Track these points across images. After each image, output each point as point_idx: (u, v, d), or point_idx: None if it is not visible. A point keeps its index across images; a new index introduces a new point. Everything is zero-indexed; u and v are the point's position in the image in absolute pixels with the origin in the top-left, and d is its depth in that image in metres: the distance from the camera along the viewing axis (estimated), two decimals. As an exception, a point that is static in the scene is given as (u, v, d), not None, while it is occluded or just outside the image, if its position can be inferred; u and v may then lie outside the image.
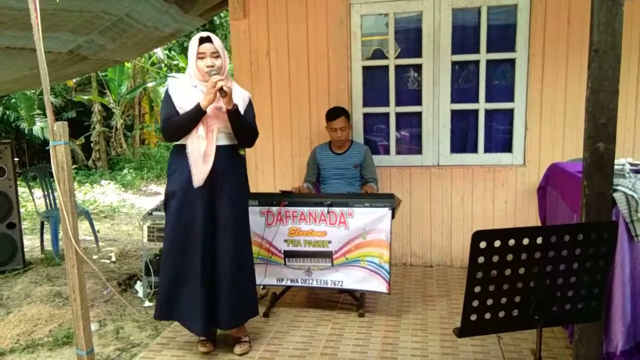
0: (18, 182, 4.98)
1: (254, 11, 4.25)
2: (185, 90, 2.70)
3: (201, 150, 2.63)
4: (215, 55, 2.64)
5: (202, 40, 2.64)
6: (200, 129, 2.64)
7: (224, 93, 2.53)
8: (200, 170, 2.65)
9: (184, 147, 2.68)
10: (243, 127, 2.71)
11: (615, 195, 2.07)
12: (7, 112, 11.24)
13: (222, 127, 2.68)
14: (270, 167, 4.40)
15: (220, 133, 2.69)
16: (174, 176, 2.76)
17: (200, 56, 2.64)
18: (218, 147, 2.68)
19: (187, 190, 2.69)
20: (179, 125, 2.66)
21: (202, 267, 2.69)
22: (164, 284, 2.81)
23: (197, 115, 2.60)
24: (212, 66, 2.61)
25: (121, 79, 11.45)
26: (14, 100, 11.17)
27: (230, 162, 2.74)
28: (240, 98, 2.76)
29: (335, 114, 3.70)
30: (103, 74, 11.38)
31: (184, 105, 2.65)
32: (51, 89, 10.84)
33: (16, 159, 5.04)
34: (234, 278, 2.75)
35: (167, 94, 2.73)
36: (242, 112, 2.70)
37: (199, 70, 2.65)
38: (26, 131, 11.10)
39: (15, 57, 3.47)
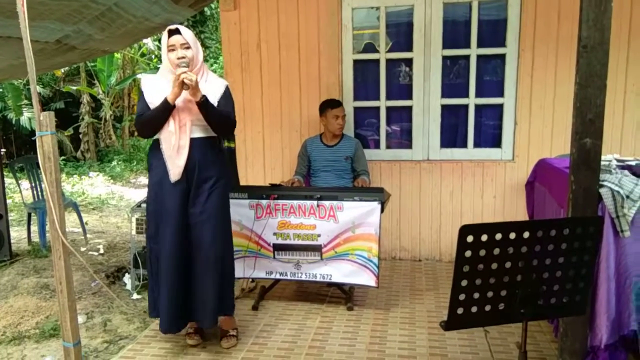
0: (5, 173, 4.93)
1: (245, 3, 4.22)
2: (157, 85, 2.68)
3: (174, 144, 2.62)
4: (185, 46, 2.61)
5: (171, 33, 2.61)
6: (171, 124, 2.62)
7: (186, 86, 2.52)
8: (175, 164, 2.63)
9: (159, 142, 2.68)
10: (214, 117, 2.63)
11: (602, 190, 2.09)
12: (-6, 102, 11.11)
13: (195, 119, 2.64)
14: (260, 160, 4.39)
15: (194, 126, 2.66)
16: (152, 172, 2.75)
17: (170, 49, 2.62)
18: (193, 140, 2.65)
19: (163, 185, 2.67)
20: (149, 120, 2.65)
21: (174, 262, 2.66)
22: (150, 281, 2.82)
23: (165, 109, 2.59)
24: (183, 58, 2.58)
25: (110, 70, 11.34)
26: (1, 90, 11.02)
27: (206, 154, 2.69)
28: (215, 88, 2.72)
29: (337, 102, 3.79)
30: (92, 64, 11.26)
31: (154, 100, 2.63)
32: (39, 79, 10.72)
33: (3, 150, 4.98)
34: (209, 273, 2.71)
35: (140, 91, 2.74)
36: (215, 102, 2.66)
37: (171, 63, 2.62)
38: (13, 122, 10.97)
39: (1, 46, 3.42)
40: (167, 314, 2.69)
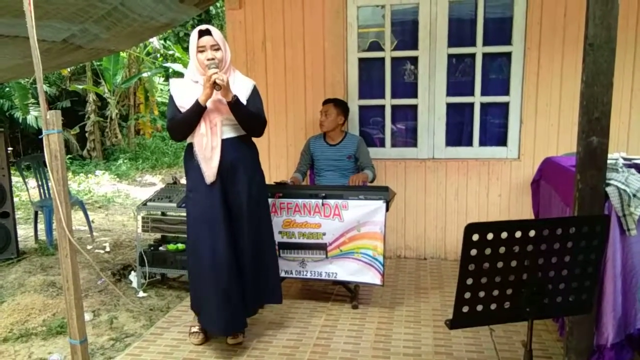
0: (12, 172, 4.96)
1: (250, 1, 4.23)
2: (186, 88, 2.69)
3: (206, 147, 2.62)
4: (215, 47, 2.61)
5: (202, 34, 2.62)
6: (202, 126, 2.62)
7: (218, 87, 2.52)
8: (208, 166, 2.63)
9: (192, 145, 2.69)
10: (246, 117, 2.66)
11: (608, 189, 2.08)
12: (1, 100, 11.16)
13: (224, 119, 2.65)
14: (266, 158, 4.39)
15: (224, 126, 2.67)
16: (188, 174, 2.77)
17: (200, 49, 2.62)
18: (224, 141, 2.66)
19: (200, 187, 2.68)
20: (181, 123, 2.66)
21: (223, 262, 2.66)
22: (192, 288, 2.81)
23: (197, 111, 2.58)
24: (213, 59, 2.58)
25: (116, 69, 11.38)
26: (7, 89, 11.08)
27: (238, 153, 2.70)
28: (243, 87, 2.73)
29: (327, 100, 3.81)
30: (98, 63, 11.30)
31: (184, 103, 2.64)
32: (45, 78, 10.78)
33: (10, 149, 5.01)
34: (255, 266, 2.78)
35: (169, 95, 2.74)
36: (244, 102, 2.67)
37: (200, 64, 2.62)
38: (20, 120, 11.03)
39: (8, 46, 3.44)
40: (222, 314, 2.69)
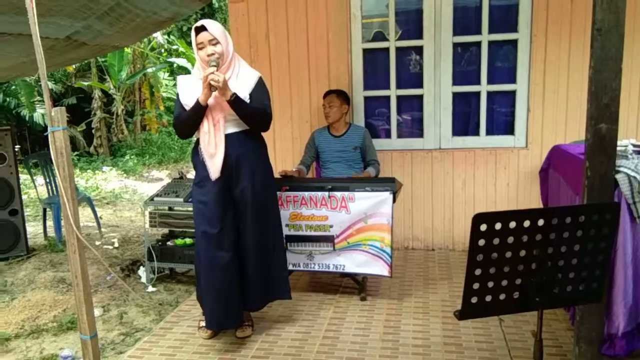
0: (20, 169, 4.98)
1: (253, -6, 4.20)
2: (191, 86, 2.69)
3: (209, 143, 2.62)
4: (214, 42, 2.59)
5: (198, 30, 2.60)
6: (205, 125, 2.62)
7: (213, 88, 2.51)
8: (212, 163, 2.64)
9: (199, 141, 2.70)
10: (247, 114, 2.64)
11: (618, 176, 2.06)
12: (8, 99, 11.21)
13: (227, 114, 2.64)
14: (271, 151, 4.34)
15: (228, 122, 2.66)
16: (196, 170, 2.78)
17: (199, 46, 2.61)
18: (229, 136, 2.65)
19: (206, 184, 2.69)
20: (185, 122, 2.67)
21: (223, 259, 2.66)
22: (206, 291, 2.73)
23: (197, 110, 2.59)
24: (213, 54, 2.57)
25: (121, 65, 11.38)
26: (14, 87, 11.13)
27: (243, 149, 2.69)
28: (247, 81, 2.71)
29: (328, 91, 3.81)
30: (103, 59, 11.32)
31: (188, 101, 2.64)
32: (50, 75, 10.80)
33: (17, 146, 5.03)
34: (261, 262, 2.78)
35: (177, 93, 2.75)
36: (247, 96, 2.64)
37: (202, 61, 2.62)
38: (27, 118, 11.07)
39: (12, 44, 3.44)
40: (216, 309, 2.70)
